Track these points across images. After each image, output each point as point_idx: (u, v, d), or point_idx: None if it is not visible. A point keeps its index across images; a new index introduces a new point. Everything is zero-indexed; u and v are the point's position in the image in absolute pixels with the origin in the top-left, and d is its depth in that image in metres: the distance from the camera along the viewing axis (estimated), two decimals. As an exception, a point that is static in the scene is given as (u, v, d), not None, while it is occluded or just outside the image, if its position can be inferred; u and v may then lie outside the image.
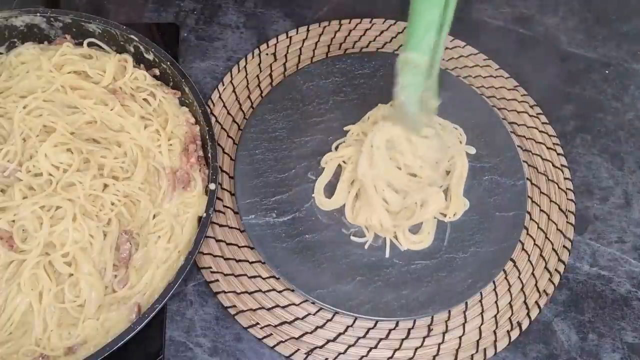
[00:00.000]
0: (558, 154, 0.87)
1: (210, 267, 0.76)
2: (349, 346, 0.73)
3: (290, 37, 0.94)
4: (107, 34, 0.78)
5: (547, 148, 0.87)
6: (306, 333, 0.73)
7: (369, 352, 0.72)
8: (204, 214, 0.69)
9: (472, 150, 0.83)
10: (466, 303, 0.76)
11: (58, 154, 0.69)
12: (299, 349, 0.72)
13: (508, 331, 0.74)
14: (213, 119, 0.86)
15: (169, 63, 0.76)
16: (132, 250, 0.68)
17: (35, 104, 0.71)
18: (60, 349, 0.63)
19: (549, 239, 0.80)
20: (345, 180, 0.80)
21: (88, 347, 0.63)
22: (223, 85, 0.89)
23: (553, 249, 0.80)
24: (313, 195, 0.80)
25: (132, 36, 0.77)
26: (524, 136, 0.88)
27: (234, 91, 0.89)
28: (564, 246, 0.80)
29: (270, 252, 0.74)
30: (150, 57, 0.78)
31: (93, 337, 0.64)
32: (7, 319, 0.63)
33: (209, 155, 0.73)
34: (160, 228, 0.70)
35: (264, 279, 0.76)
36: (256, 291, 0.75)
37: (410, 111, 0.68)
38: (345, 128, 0.84)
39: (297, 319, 0.74)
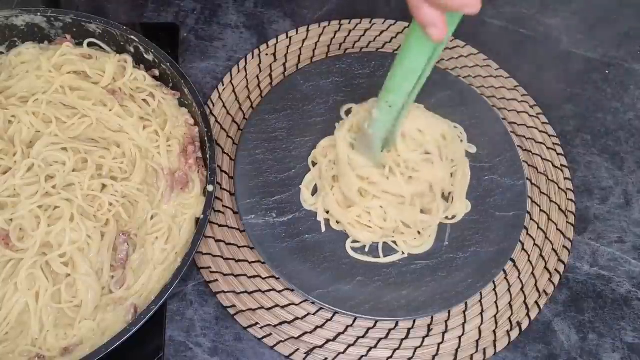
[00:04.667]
0: (558, 154, 0.87)
1: (210, 267, 0.76)
2: (349, 346, 0.73)
3: (290, 37, 0.94)
4: (107, 34, 0.78)
5: (547, 148, 0.87)
6: (306, 333, 0.73)
7: (368, 351, 0.72)
8: (202, 216, 0.69)
9: (473, 149, 0.83)
10: (466, 303, 0.76)
11: (52, 152, 0.69)
12: (298, 349, 0.72)
13: (508, 331, 0.74)
14: (213, 119, 0.86)
15: (168, 64, 0.76)
16: (130, 251, 0.68)
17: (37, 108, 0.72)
18: (57, 349, 0.63)
19: (548, 239, 0.80)
20: (324, 178, 0.80)
21: (84, 347, 0.63)
22: (223, 85, 0.89)
23: (553, 249, 0.80)
24: (299, 186, 0.80)
25: (132, 37, 0.77)
26: (524, 136, 0.88)
27: (233, 91, 0.89)
28: (563, 246, 0.80)
29: (270, 252, 0.74)
30: (150, 57, 0.78)
31: (89, 338, 0.64)
32: (3, 318, 0.63)
33: (208, 156, 0.73)
34: (158, 229, 0.69)
35: (263, 278, 0.76)
36: (256, 291, 0.75)
37: (374, 145, 0.71)
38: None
39: (296, 318, 0.74)
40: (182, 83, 0.76)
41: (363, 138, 0.72)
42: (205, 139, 0.73)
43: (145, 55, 0.78)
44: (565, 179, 0.85)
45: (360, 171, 0.75)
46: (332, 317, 0.74)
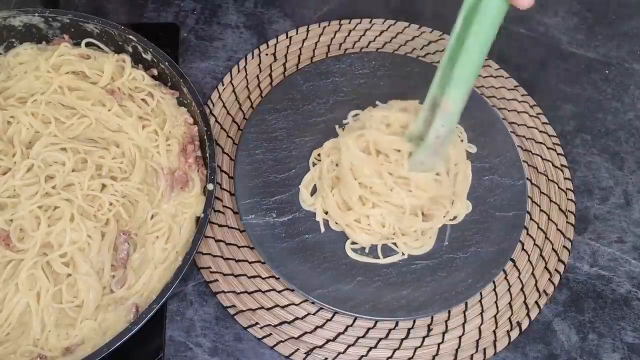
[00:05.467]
0: (558, 154, 0.87)
1: (210, 267, 0.76)
2: (349, 346, 0.73)
3: (290, 37, 0.94)
4: (105, 34, 0.78)
5: (547, 148, 0.87)
6: (306, 333, 0.73)
7: (368, 351, 0.72)
8: (202, 215, 0.69)
9: (473, 149, 0.83)
10: (466, 303, 0.76)
11: (52, 152, 0.69)
12: (298, 349, 0.72)
13: (508, 331, 0.74)
14: (212, 119, 0.86)
15: (167, 63, 0.76)
16: (130, 251, 0.68)
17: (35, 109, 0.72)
18: (58, 349, 0.63)
19: (549, 239, 0.80)
20: (324, 179, 0.79)
21: (86, 347, 0.63)
22: (223, 85, 0.89)
23: (553, 249, 0.80)
24: (299, 186, 0.80)
25: (131, 36, 0.77)
26: (524, 136, 0.88)
27: (233, 91, 0.89)
28: (564, 246, 0.80)
29: (270, 252, 0.74)
30: (149, 57, 0.78)
31: (90, 337, 0.64)
32: (4, 319, 0.63)
33: (207, 155, 0.73)
34: (159, 228, 0.69)
35: (263, 278, 0.76)
36: (256, 291, 0.75)
37: (445, 143, 0.70)
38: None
39: (296, 318, 0.74)
40: (180, 82, 0.75)
41: (425, 148, 0.70)
42: (205, 137, 0.73)
43: (144, 55, 0.78)
44: (565, 179, 0.85)
45: (364, 180, 0.74)
46: (332, 317, 0.74)
